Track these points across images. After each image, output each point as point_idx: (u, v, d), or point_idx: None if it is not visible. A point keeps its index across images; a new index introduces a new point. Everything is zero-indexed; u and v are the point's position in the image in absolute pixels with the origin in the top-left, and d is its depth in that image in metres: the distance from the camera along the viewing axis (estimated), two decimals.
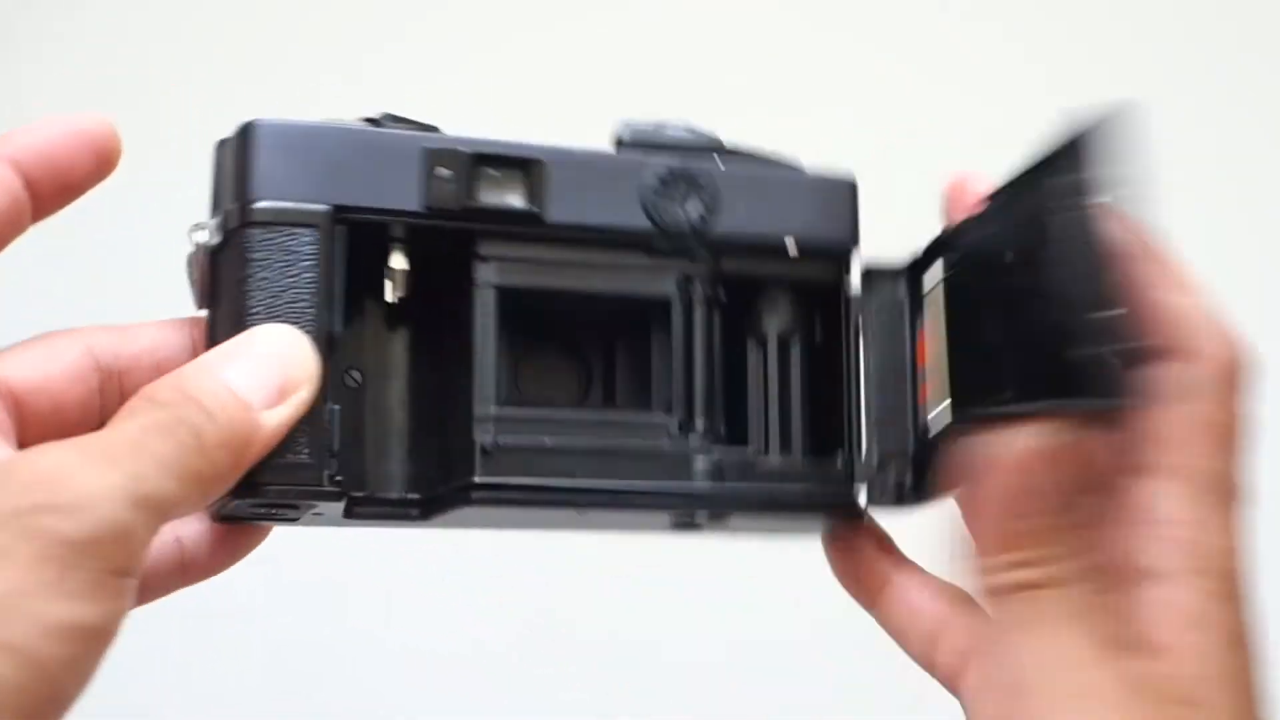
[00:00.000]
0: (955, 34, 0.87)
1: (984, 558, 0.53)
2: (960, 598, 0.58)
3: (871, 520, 0.61)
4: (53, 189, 0.54)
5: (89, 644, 0.46)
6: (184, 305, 0.57)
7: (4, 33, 0.85)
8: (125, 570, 0.47)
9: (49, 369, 0.54)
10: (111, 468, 0.47)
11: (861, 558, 0.61)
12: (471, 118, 0.79)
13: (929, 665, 0.58)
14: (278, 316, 0.55)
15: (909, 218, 0.65)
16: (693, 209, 0.59)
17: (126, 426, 0.49)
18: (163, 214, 0.71)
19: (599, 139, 0.61)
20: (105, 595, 0.46)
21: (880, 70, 0.86)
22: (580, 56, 0.86)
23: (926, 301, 0.61)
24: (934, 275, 0.60)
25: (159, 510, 0.48)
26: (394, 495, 0.58)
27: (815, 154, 0.68)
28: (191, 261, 0.57)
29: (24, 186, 0.53)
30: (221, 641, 0.84)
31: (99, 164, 0.54)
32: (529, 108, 0.83)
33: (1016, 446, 0.52)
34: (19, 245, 0.54)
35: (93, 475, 0.47)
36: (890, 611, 0.60)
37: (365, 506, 0.58)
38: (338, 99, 0.80)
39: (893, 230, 0.63)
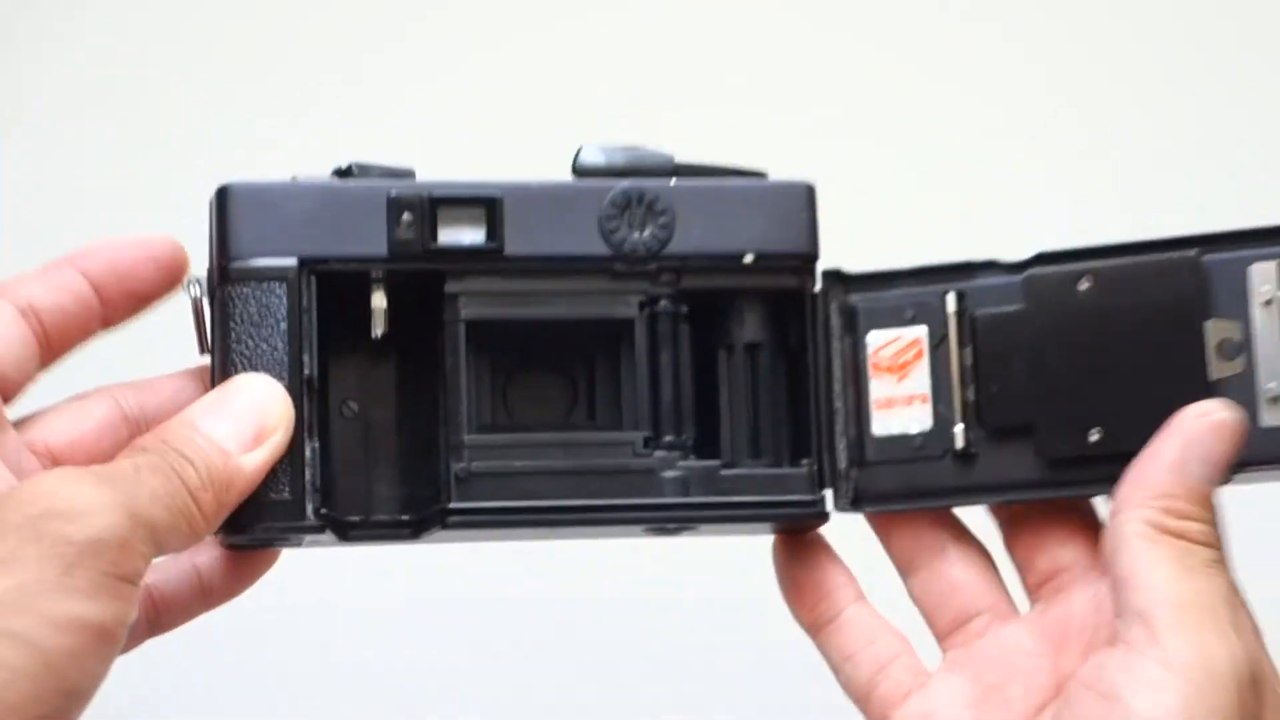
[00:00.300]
0: (955, 34, 0.87)
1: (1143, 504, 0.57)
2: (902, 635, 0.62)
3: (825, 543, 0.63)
4: (121, 298, 0.60)
5: (92, 640, 0.51)
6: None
7: (4, 33, 0.86)
8: (125, 576, 0.52)
9: (82, 426, 0.60)
10: (110, 487, 0.53)
11: (819, 582, 0.63)
12: (470, 118, 0.83)
13: (867, 690, 0.61)
14: (256, 365, 0.60)
15: (909, 216, 0.68)
16: (649, 232, 0.62)
17: (122, 463, 0.55)
18: (162, 213, 0.76)
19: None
20: (106, 595, 0.51)
21: (879, 71, 0.86)
22: (580, 56, 0.87)
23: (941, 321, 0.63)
24: (951, 302, 0.63)
25: (152, 533, 0.54)
26: (387, 517, 0.62)
27: (814, 154, 0.70)
28: (192, 314, 0.62)
29: (94, 294, 0.60)
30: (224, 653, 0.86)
31: (164, 278, 0.61)
32: (528, 109, 0.85)
33: (1222, 414, 0.58)
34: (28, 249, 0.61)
35: (93, 491, 0.53)
36: (843, 636, 0.62)
37: (360, 529, 0.62)
38: (338, 99, 0.83)
39: (893, 231, 0.66)
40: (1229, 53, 0.85)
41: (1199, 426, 0.58)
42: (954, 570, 0.62)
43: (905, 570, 0.63)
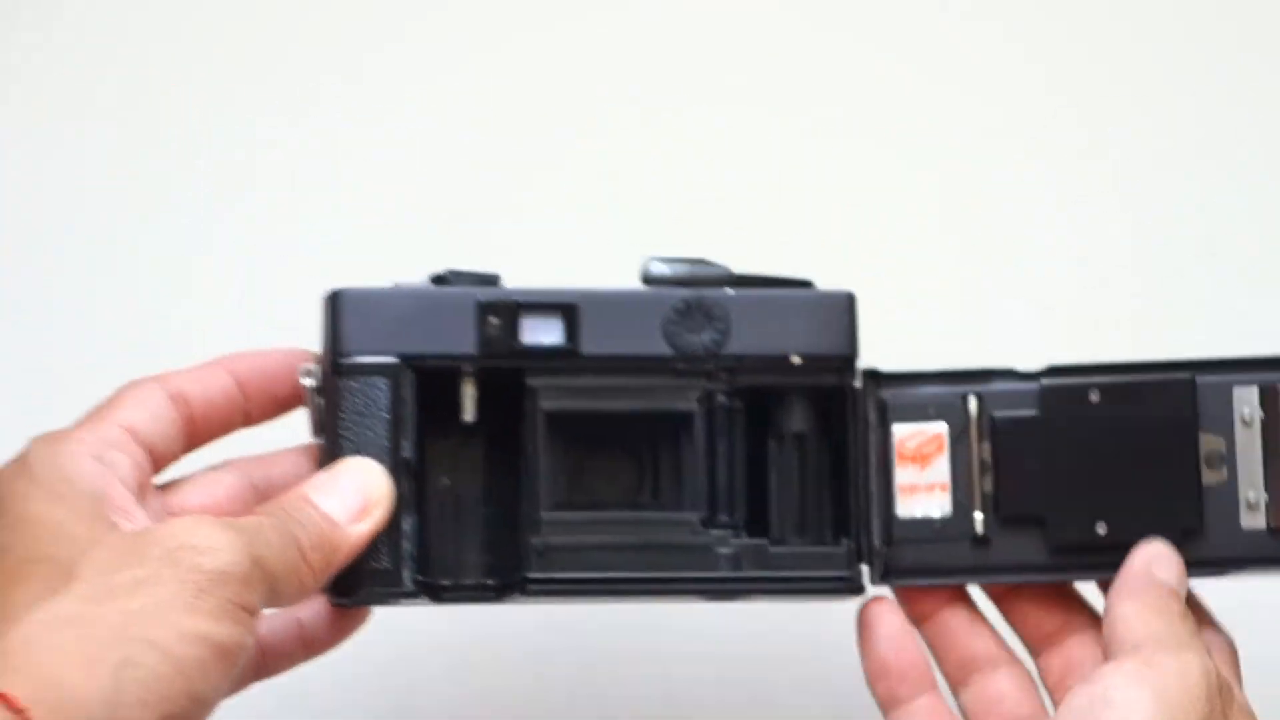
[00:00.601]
0: (956, 35, 0.87)
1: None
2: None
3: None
4: (263, 399, 0.70)
5: (215, 656, 0.60)
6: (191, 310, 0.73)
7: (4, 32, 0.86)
8: (244, 605, 0.61)
9: (215, 493, 0.70)
10: (236, 533, 0.63)
11: (903, 666, 0.71)
12: (470, 117, 0.83)
13: None
14: (361, 448, 0.69)
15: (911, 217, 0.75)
16: (707, 336, 0.70)
17: (247, 518, 0.65)
18: (161, 212, 0.82)
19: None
20: (229, 620, 0.61)
21: (880, 69, 0.87)
22: (580, 56, 0.87)
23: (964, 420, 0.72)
24: (973, 404, 0.72)
25: (268, 577, 0.63)
26: (474, 581, 0.71)
27: (815, 153, 0.76)
28: (306, 399, 0.71)
29: (240, 393, 0.70)
30: None
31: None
32: (526, 108, 0.86)
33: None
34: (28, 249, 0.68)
35: (222, 533, 0.62)
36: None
37: (451, 592, 0.71)
38: (338, 99, 0.85)
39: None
40: (1230, 53, 0.86)
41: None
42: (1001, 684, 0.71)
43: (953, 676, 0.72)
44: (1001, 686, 0.70)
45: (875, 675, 0.70)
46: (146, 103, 0.85)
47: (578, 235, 0.82)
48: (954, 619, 0.71)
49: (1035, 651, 0.72)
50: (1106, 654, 0.66)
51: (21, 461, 0.64)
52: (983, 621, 0.72)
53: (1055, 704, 0.70)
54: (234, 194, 0.84)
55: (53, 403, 0.70)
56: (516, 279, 0.72)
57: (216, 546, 0.61)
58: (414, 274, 0.71)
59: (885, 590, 0.72)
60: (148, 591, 0.59)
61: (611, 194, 0.83)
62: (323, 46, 0.85)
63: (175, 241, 0.80)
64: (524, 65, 0.85)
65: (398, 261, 0.75)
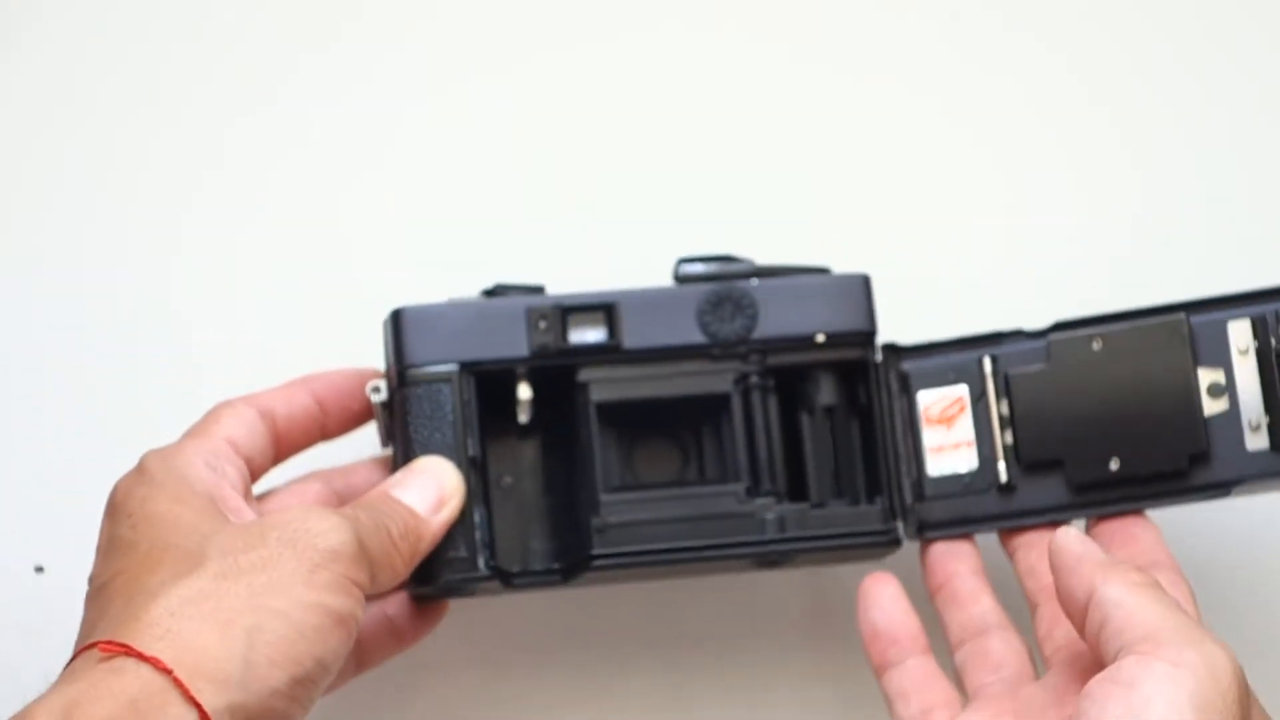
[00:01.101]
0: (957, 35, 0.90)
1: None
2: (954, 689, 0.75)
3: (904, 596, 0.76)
4: (341, 415, 0.78)
5: (332, 622, 0.67)
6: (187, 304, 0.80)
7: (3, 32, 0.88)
8: (357, 582, 0.69)
9: (306, 498, 0.77)
10: (342, 518, 0.70)
11: (895, 630, 0.75)
12: (470, 117, 0.85)
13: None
14: (431, 449, 0.75)
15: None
16: (739, 323, 0.77)
17: (344, 509, 0.72)
18: (159, 212, 0.85)
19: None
20: (341, 592, 0.68)
21: (880, 68, 0.90)
22: (580, 54, 0.90)
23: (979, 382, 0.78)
24: (988, 364, 0.78)
25: (370, 560, 0.70)
26: (540, 567, 0.78)
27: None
28: (376, 412, 0.77)
29: (320, 410, 0.77)
30: None
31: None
32: (526, 106, 0.88)
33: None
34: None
35: (332, 517, 0.69)
36: (903, 677, 0.75)
37: (520, 579, 0.77)
38: (337, 99, 0.87)
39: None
40: (1235, 53, 0.89)
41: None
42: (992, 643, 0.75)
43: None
44: (992, 645, 0.74)
45: (868, 640, 0.76)
46: (144, 101, 0.87)
47: (615, 242, 0.86)
48: (962, 586, 0.76)
49: (1033, 605, 0.75)
50: (1102, 640, 0.65)
51: (139, 471, 0.71)
52: (986, 591, 0.76)
53: (1044, 656, 0.73)
54: (279, 211, 0.86)
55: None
56: (559, 286, 0.78)
57: (328, 529, 0.68)
58: (456, 285, 0.77)
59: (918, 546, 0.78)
60: (271, 568, 0.66)
61: (644, 198, 0.87)
62: (321, 45, 0.88)
63: (164, 232, 0.84)
64: (522, 62, 0.88)
65: (443, 272, 0.83)
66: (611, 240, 0.86)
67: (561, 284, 0.78)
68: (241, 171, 0.86)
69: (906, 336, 0.79)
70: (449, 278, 0.80)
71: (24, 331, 0.85)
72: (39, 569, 0.83)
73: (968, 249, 0.86)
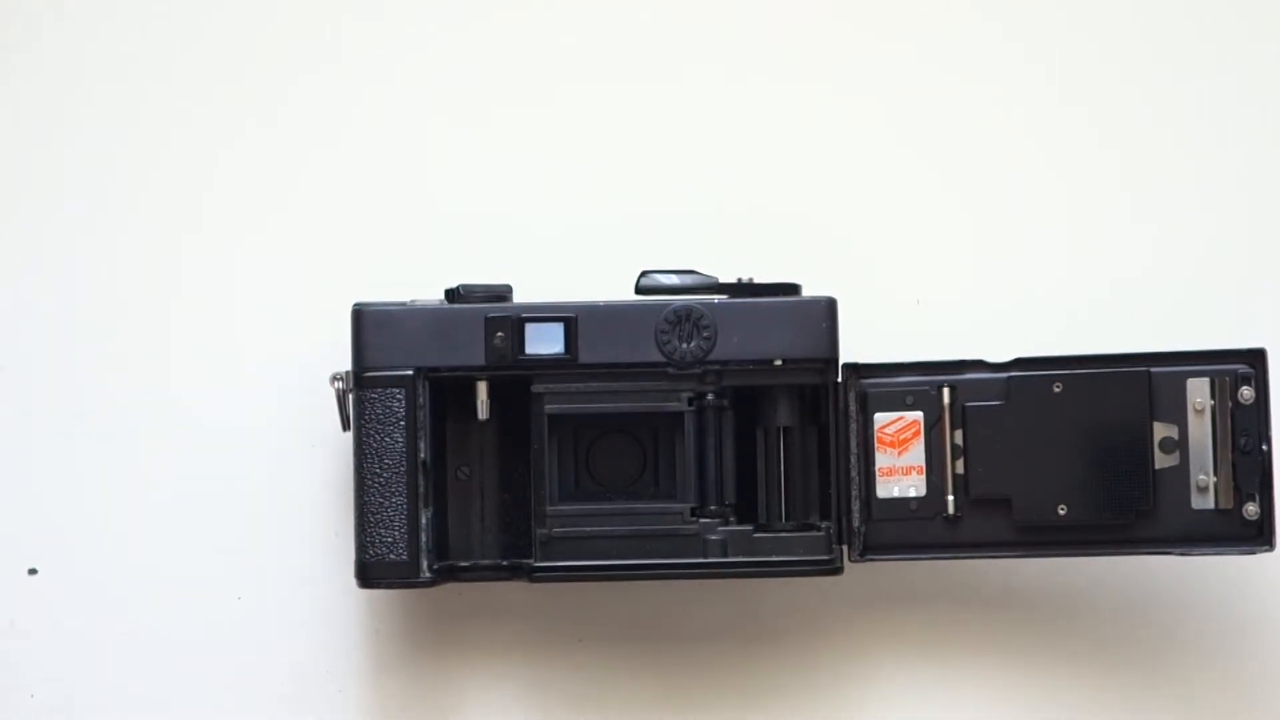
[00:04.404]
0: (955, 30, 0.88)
1: None
2: None
3: None
4: None
5: None
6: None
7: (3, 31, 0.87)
8: None
9: None
10: None
11: None
12: (470, 116, 0.83)
13: None
14: (382, 451, 0.76)
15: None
16: (696, 343, 0.77)
17: None
18: (158, 212, 0.85)
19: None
20: None
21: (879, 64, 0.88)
22: (577, 52, 0.88)
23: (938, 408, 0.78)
24: (946, 395, 0.78)
25: None
26: (489, 562, 0.79)
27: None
28: (337, 401, 0.78)
29: None
30: None
31: None
32: (524, 105, 0.87)
33: None
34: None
35: None
36: None
37: (469, 572, 0.79)
38: (337, 98, 0.86)
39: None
40: (1234, 53, 0.87)
41: None
42: None
43: None
44: None
45: None
46: (143, 100, 0.87)
47: (586, 247, 0.85)
48: None
49: None
50: None
51: None
52: None
53: None
54: (255, 203, 0.86)
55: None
56: (527, 286, 0.79)
57: None
58: (428, 277, 0.78)
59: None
60: None
61: (617, 200, 0.86)
62: (341, 60, 0.87)
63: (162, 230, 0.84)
64: (519, 60, 0.87)
65: (410, 266, 0.82)
66: (583, 245, 0.84)
67: (530, 283, 0.79)
68: (221, 171, 0.86)
69: (870, 354, 0.79)
70: (418, 273, 0.80)
71: (18, 333, 0.85)
72: (32, 571, 0.84)
73: (941, 272, 0.84)
